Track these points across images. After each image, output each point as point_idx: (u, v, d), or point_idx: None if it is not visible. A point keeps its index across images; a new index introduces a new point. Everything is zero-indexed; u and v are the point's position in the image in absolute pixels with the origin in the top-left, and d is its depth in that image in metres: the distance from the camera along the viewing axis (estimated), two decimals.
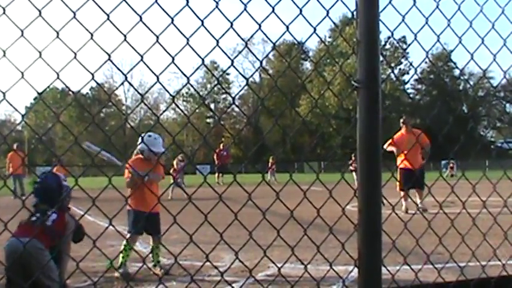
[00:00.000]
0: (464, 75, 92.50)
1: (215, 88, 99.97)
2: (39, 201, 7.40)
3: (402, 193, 18.26)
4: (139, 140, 10.21)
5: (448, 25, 3.77)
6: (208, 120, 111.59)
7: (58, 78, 2.47)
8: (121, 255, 9.39)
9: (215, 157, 44.90)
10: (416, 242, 3.72)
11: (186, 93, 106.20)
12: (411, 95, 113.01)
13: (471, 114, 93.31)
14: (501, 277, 3.81)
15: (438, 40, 3.73)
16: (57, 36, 2.50)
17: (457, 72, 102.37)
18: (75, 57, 2.54)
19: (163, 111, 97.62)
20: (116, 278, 9.13)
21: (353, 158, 52.12)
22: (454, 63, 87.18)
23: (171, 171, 31.67)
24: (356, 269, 3.16)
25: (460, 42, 3.85)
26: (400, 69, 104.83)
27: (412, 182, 17.97)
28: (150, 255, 10.02)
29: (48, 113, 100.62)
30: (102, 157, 9.55)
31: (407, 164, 17.62)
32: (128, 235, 9.59)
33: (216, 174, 42.96)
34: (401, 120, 19.22)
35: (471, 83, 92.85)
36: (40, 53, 2.48)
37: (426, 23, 3.67)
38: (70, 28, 2.80)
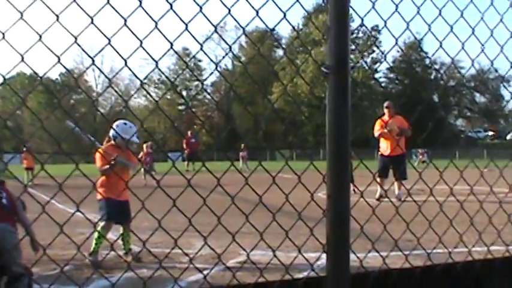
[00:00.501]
0: (436, 64, 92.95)
1: (187, 75, 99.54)
2: None
3: (379, 179, 18.32)
4: (114, 125, 10.17)
5: (418, 12, 3.78)
6: (180, 107, 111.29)
7: (22, 60, 2.44)
8: (94, 241, 9.36)
9: (184, 145, 44.84)
10: (384, 228, 3.73)
11: (158, 79, 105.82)
12: (383, 84, 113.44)
13: (442, 104, 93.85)
14: (466, 262, 3.84)
15: (408, 27, 3.73)
16: (21, 17, 2.47)
17: (428, 61, 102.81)
18: (40, 40, 2.51)
19: (131, 96, 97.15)
20: (86, 264, 9.11)
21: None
22: (425, 53, 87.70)
23: (140, 156, 31.62)
24: (325, 255, 3.16)
25: (429, 29, 3.86)
26: (372, 58, 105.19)
27: (394, 169, 18.09)
28: (121, 242, 10.00)
29: (16, 99, 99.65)
30: (79, 135, 9.53)
31: (390, 150, 17.76)
32: (102, 224, 9.56)
33: (186, 162, 42.92)
34: (385, 105, 19.26)
35: (442, 72, 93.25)
36: (3, 34, 2.44)
37: (396, 10, 3.67)
38: (35, 9, 2.77)
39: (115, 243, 10.05)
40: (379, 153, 19.23)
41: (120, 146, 9.91)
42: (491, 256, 4.18)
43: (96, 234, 9.34)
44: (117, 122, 10.40)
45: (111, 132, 10.00)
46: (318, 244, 3.37)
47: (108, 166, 9.51)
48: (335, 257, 3.13)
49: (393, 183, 18.56)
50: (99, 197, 9.46)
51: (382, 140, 19.02)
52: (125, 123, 10.14)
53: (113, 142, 10.03)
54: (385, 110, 19.14)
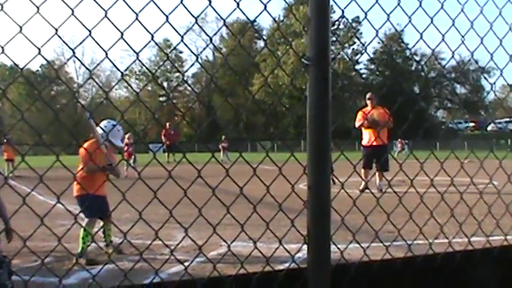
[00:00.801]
0: (416, 55, 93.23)
1: (168, 66, 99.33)
2: None
3: (363, 171, 18.37)
4: (102, 125, 10.11)
5: (398, 4, 3.79)
6: (161, 98, 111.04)
7: (3, 52, 2.43)
8: (81, 241, 9.31)
9: (163, 137, 44.83)
10: (365, 219, 3.74)
11: (139, 71, 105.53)
12: (364, 75, 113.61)
13: (423, 95, 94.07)
14: (447, 253, 3.86)
15: (388, 19, 3.74)
16: (1, 9, 2.45)
17: (409, 52, 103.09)
18: (20, 31, 2.50)
19: (112, 88, 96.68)
20: (67, 256, 9.08)
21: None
22: (406, 44, 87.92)
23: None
24: (306, 247, 3.17)
25: (409, 21, 3.87)
26: (353, 49, 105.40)
27: (376, 160, 18.16)
28: (102, 234, 9.99)
29: None
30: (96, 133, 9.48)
31: (372, 141, 17.79)
32: (85, 222, 9.52)
33: (166, 154, 42.87)
34: (368, 96, 19.31)
35: (422, 63, 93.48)
36: None
37: (377, 1, 3.68)
38: (16, 1, 2.76)
39: (96, 235, 10.03)
40: (362, 145, 19.30)
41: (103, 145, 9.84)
42: (471, 247, 4.21)
43: (82, 233, 9.28)
44: (105, 122, 10.36)
45: (100, 132, 9.91)
46: (299, 235, 3.38)
47: (97, 167, 9.44)
48: (316, 248, 3.14)
49: (375, 174, 18.66)
50: (76, 193, 9.40)
51: (364, 131, 19.08)
52: (114, 125, 10.08)
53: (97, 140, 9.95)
54: (368, 102, 19.20)
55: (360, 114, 19.06)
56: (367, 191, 16.07)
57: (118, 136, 10.17)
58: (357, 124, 18.80)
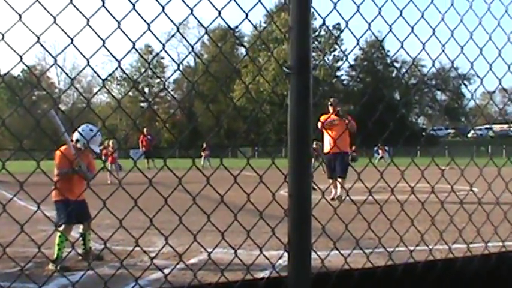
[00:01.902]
0: (397, 62, 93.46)
1: (149, 72, 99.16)
2: None
3: (331, 180, 18.19)
4: (79, 129, 10.04)
5: (379, 13, 3.81)
6: (142, 104, 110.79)
7: None
8: (56, 247, 9.25)
9: (142, 143, 44.84)
10: (345, 227, 3.75)
11: (120, 77, 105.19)
12: (345, 82, 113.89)
13: (403, 102, 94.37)
14: (428, 261, 3.87)
15: (369, 28, 3.76)
16: None
17: (389, 60, 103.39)
18: (2, 39, 2.49)
19: (94, 95, 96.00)
20: (47, 262, 9.04)
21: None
22: (386, 52, 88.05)
23: (105, 153, 31.52)
24: (287, 254, 3.17)
25: (390, 30, 3.89)
26: (334, 55, 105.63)
27: (334, 166, 17.89)
28: (81, 241, 9.94)
29: None
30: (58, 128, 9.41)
31: (334, 148, 17.48)
32: (61, 228, 9.46)
33: (146, 160, 42.76)
34: (329, 102, 18.93)
35: (403, 70, 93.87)
36: None
37: (358, 10, 3.69)
38: None
39: (76, 242, 9.99)
40: (324, 153, 18.99)
41: (80, 149, 9.79)
42: (452, 255, 4.22)
43: (57, 240, 9.22)
44: (83, 126, 10.29)
45: (76, 135, 9.85)
46: (280, 242, 3.39)
47: (67, 170, 9.38)
48: (296, 256, 3.15)
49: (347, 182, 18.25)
50: (55, 198, 9.34)
51: (325, 138, 18.82)
52: (91, 129, 10.02)
53: (74, 144, 9.88)
54: (330, 108, 18.81)
55: (322, 119, 18.55)
56: (340, 199, 15.98)
57: (96, 142, 10.15)
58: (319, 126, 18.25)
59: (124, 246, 9.27)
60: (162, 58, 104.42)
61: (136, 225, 3.16)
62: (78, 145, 9.78)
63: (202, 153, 51.22)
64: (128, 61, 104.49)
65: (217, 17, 3.17)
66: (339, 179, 17.92)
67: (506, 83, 4.98)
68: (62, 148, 9.65)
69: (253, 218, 3.51)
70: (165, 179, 3.79)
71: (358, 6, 3.71)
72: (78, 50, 2.78)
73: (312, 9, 3.17)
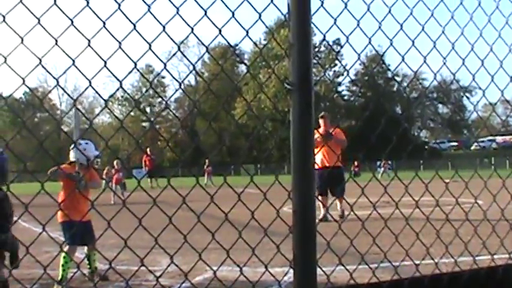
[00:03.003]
0: (398, 76, 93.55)
1: (150, 92, 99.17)
2: None
3: (321, 197, 17.50)
4: (72, 152, 10.06)
5: (379, 28, 3.81)
6: (144, 124, 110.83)
7: None
8: (61, 268, 9.24)
9: (145, 163, 44.95)
10: (351, 242, 3.74)
11: (122, 97, 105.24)
12: (346, 97, 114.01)
13: (405, 115, 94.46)
14: (434, 275, 3.86)
15: (370, 42, 3.76)
16: None
17: (391, 74, 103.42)
18: (5, 62, 2.49)
19: (96, 115, 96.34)
20: (52, 284, 9.02)
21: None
22: (387, 66, 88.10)
23: (108, 174, 31.62)
24: (292, 271, 3.16)
25: (391, 44, 3.90)
26: (334, 71, 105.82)
27: (330, 185, 17.38)
28: (87, 261, 9.93)
29: None
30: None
31: (325, 163, 17.10)
32: (66, 248, 9.45)
33: (149, 179, 42.79)
34: (320, 115, 18.49)
35: (405, 84, 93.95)
36: None
37: (358, 25, 3.70)
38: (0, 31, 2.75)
39: (81, 262, 9.98)
40: (316, 168, 18.34)
41: (82, 166, 9.80)
42: (458, 268, 4.21)
43: (62, 261, 9.21)
44: (72, 147, 10.30)
45: (72, 157, 9.87)
46: (285, 259, 3.38)
47: (63, 175, 9.40)
48: (302, 272, 3.14)
49: (335, 200, 17.81)
50: (60, 219, 9.33)
51: (318, 153, 18.23)
52: (80, 143, 10.06)
53: (74, 164, 9.87)
54: (320, 121, 18.36)
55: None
56: (330, 218, 15.43)
57: (91, 149, 10.19)
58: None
59: (129, 265, 9.26)
60: (163, 77, 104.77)
61: (140, 245, 3.14)
62: (79, 163, 9.78)
63: (205, 172, 51.21)
64: (129, 81, 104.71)
65: (218, 35, 3.18)
66: (338, 200, 17.57)
67: (509, 94, 4.98)
68: (62, 166, 9.66)
69: (258, 235, 3.50)
70: (168, 198, 3.79)
71: (359, 21, 3.71)
72: (80, 71, 2.79)
73: (312, 25, 3.17)
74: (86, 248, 9.98)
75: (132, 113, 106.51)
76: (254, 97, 77.48)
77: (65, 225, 9.41)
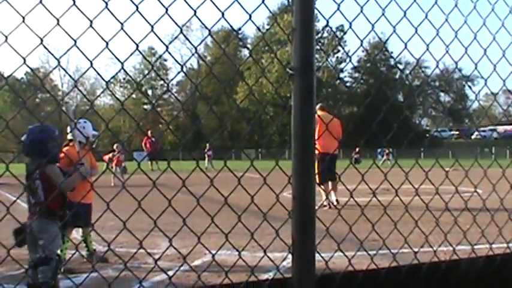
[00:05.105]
0: (401, 64, 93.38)
1: (152, 74, 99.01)
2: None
3: (324, 186, 17.31)
4: (68, 130, 10.07)
5: (383, 14, 3.80)
6: (145, 106, 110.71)
7: None
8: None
9: (146, 145, 44.83)
10: (350, 228, 3.74)
11: (124, 79, 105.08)
12: (348, 83, 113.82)
13: (407, 103, 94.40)
14: (432, 263, 3.86)
15: (373, 29, 3.75)
16: None
17: (393, 61, 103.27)
18: (6, 41, 2.49)
19: (97, 97, 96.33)
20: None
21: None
22: (390, 53, 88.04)
23: (110, 156, 31.59)
24: (291, 256, 3.16)
25: (394, 31, 3.88)
26: (337, 57, 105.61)
27: (328, 170, 17.29)
28: (84, 244, 9.94)
29: None
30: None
31: (324, 148, 16.97)
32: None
33: (150, 162, 42.80)
34: (317, 107, 18.25)
35: (407, 72, 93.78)
36: None
37: (361, 11, 3.68)
38: (1, 11, 2.75)
39: (79, 244, 10.00)
40: (319, 153, 18.15)
41: (81, 143, 9.78)
42: (456, 256, 4.21)
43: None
44: (68, 129, 10.29)
45: (69, 136, 9.87)
46: (284, 244, 3.38)
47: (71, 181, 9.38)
48: (301, 258, 3.14)
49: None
50: None
51: (322, 137, 17.80)
52: (79, 122, 10.10)
53: (72, 145, 9.86)
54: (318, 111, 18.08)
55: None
56: (325, 204, 15.40)
57: (89, 128, 10.21)
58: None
59: (128, 248, 9.28)
60: (165, 60, 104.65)
61: (140, 227, 3.15)
62: (76, 145, 9.76)
63: (206, 155, 51.22)
64: (131, 63, 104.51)
65: (220, 18, 3.16)
66: (330, 182, 17.40)
67: (510, 84, 4.97)
68: (65, 149, 9.65)
69: (257, 220, 3.50)
70: (168, 181, 3.79)
71: (362, 7, 3.70)
72: (82, 52, 2.78)
73: (316, 11, 3.16)
74: (80, 231, 10.00)
75: (133, 96, 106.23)
76: (256, 81, 77.26)
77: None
